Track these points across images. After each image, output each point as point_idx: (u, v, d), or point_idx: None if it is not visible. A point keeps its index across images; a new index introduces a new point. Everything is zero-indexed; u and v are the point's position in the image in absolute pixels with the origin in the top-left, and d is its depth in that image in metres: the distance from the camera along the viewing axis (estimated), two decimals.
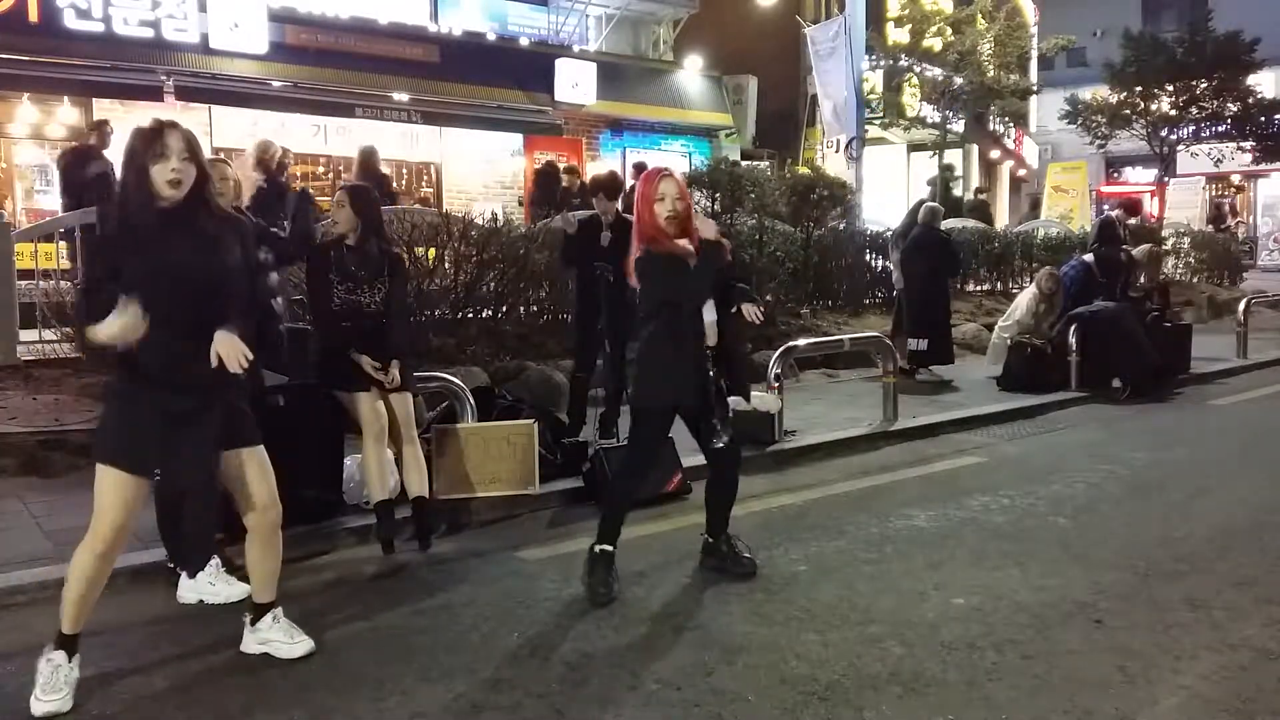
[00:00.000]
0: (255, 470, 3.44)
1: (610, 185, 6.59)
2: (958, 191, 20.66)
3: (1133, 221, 12.94)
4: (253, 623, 3.58)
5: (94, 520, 3.20)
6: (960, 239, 13.01)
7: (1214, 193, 26.95)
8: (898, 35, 20.57)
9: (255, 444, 3.44)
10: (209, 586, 4.12)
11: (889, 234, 11.49)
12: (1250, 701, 3.14)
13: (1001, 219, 22.73)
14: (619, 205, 6.55)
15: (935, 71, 20.13)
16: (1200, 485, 5.91)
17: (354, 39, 14.92)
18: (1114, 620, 3.80)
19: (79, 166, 9.49)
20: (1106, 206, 18.34)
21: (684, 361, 4.10)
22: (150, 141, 3.13)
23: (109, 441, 3.20)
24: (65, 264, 7.79)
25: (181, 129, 3.20)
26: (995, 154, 26.44)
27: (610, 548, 4.18)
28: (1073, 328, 9.08)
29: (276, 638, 3.55)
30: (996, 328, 9.83)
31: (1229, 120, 21.24)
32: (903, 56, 20.01)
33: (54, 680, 3.18)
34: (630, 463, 4.40)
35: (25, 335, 7.06)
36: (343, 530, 4.93)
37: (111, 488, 3.17)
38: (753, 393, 6.83)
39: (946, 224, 11.54)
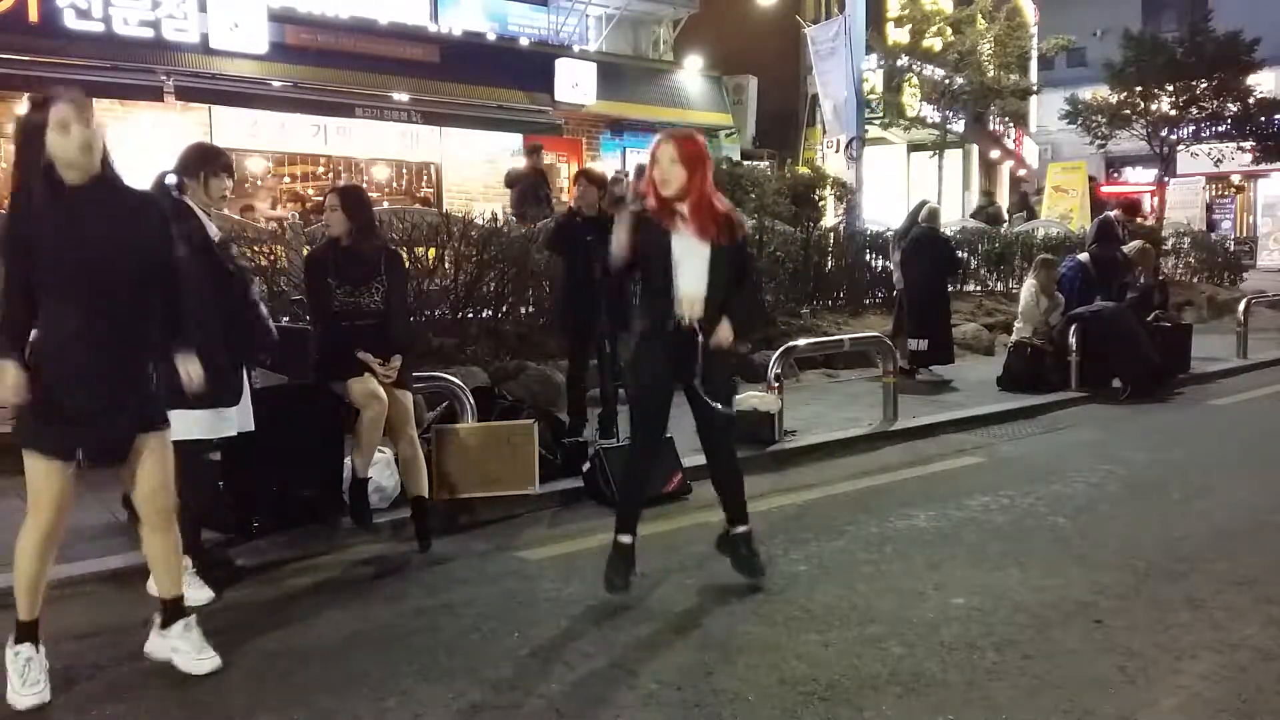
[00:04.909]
0: (160, 470, 3.39)
1: (594, 174, 6.65)
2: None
3: (1140, 221, 12.93)
4: (163, 625, 3.46)
5: (35, 503, 3.21)
6: (960, 239, 13.05)
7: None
8: (898, 35, 20.56)
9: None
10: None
11: (889, 234, 11.50)
12: (1250, 701, 3.14)
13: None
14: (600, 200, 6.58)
15: (936, 71, 20.14)
16: (1200, 485, 5.91)
17: (354, 39, 14.91)
18: (1114, 620, 3.80)
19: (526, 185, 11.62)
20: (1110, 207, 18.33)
21: (659, 340, 4.02)
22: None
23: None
24: None
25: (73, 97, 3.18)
26: (995, 154, 26.45)
27: (628, 538, 4.13)
28: (1073, 328, 9.08)
29: (185, 648, 3.42)
30: (1015, 330, 9.73)
31: (1229, 120, 21.24)
32: (903, 56, 20.01)
33: (28, 674, 3.18)
34: (630, 449, 4.37)
35: None
36: (343, 530, 4.93)
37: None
38: (752, 393, 6.90)
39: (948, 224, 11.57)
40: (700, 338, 4.03)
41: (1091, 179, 23.63)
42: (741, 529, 4.30)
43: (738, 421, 4.43)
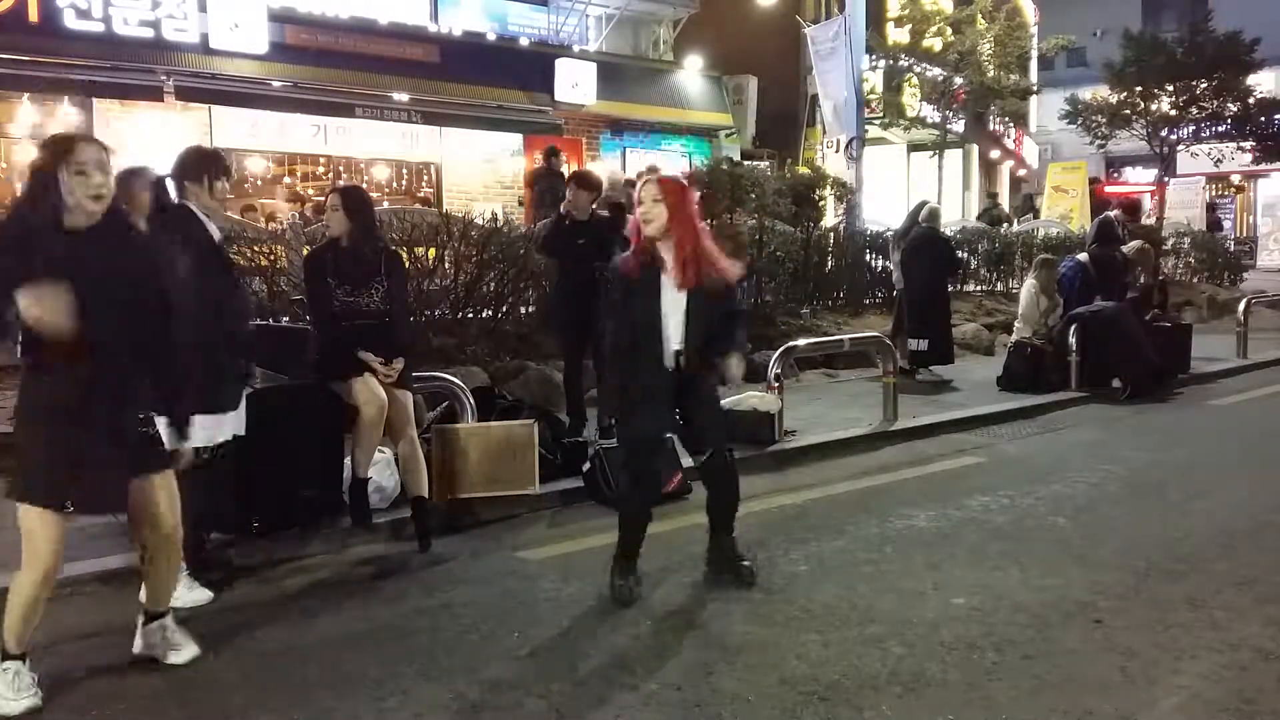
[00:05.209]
0: (165, 497, 3.39)
1: (589, 179, 6.65)
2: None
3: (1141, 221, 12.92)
4: (144, 624, 3.54)
5: (32, 550, 3.16)
6: (960, 239, 13.05)
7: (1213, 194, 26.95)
8: (898, 35, 20.57)
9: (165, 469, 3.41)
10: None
11: (889, 234, 11.50)
12: (1250, 701, 3.14)
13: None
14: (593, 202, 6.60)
15: (935, 71, 20.14)
16: (1200, 485, 5.91)
17: (354, 39, 14.92)
18: (1114, 620, 3.80)
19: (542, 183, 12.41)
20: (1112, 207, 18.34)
21: (651, 393, 4.02)
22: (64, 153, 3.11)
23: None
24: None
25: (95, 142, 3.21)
26: (995, 154, 26.45)
27: (630, 566, 4.17)
28: (1073, 328, 9.08)
29: (163, 642, 3.52)
30: (1015, 330, 9.74)
31: (1229, 120, 21.22)
32: (903, 56, 20.01)
33: (18, 683, 3.17)
34: (621, 487, 4.39)
35: None
36: (343, 530, 4.93)
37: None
38: (752, 393, 6.90)
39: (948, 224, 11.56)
40: (681, 379, 4.05)
41: (1095, 180, 23.61)
42: (728, 538, 4.33)
43: (735, 452, 4.38)
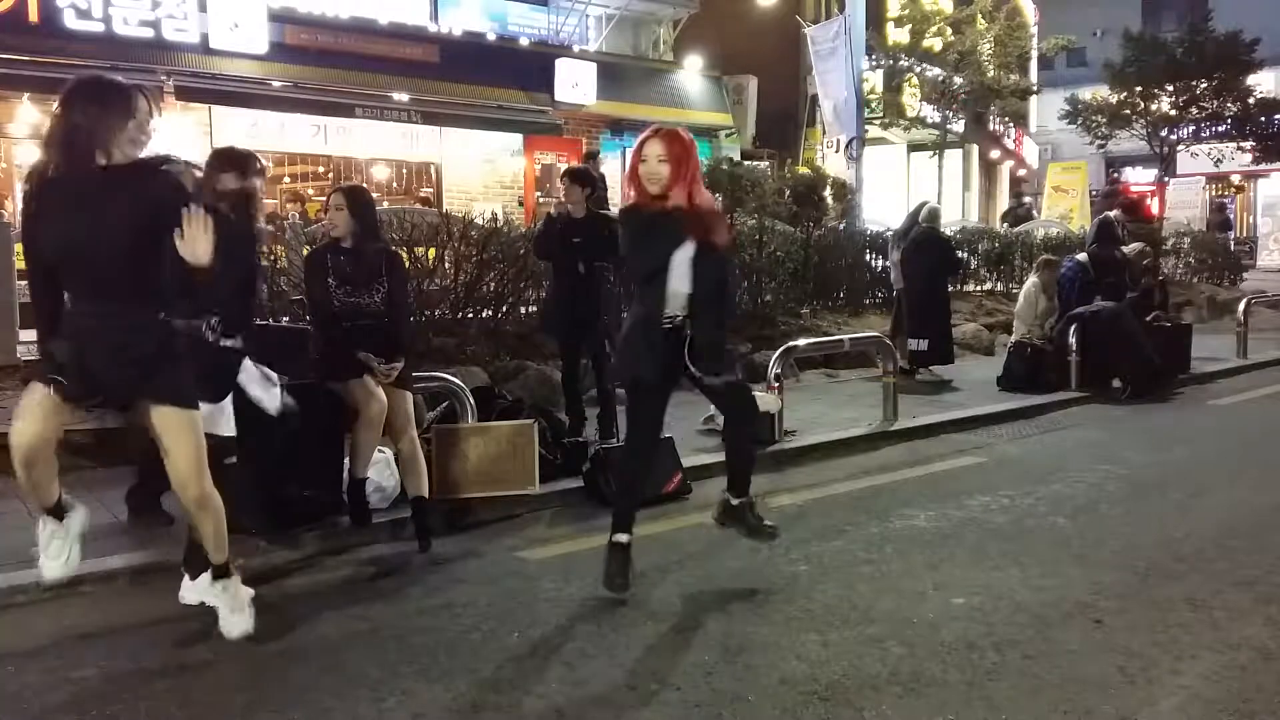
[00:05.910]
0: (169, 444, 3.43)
1: (582, 175, 6.63)
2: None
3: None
4: (207, 577, 3.61)
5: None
6: (960, 239, 13.06)
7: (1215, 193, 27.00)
8: (898, 35, 20.59)
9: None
10: (210, 589, 4.05)
11: (889, 234, 11.50)
12: (1250, 701, 3.14)
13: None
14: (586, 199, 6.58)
15: (936, 71, 20.16)
16: (1200, 485, 5.91)
17: (354, 39, 14.94)
18: (1114, 620, 3.80)
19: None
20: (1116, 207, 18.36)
21: (647, 334, 4.03)
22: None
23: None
24: None
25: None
26: (995, 154, 26.46)
27: (624, 537, 4.14)
28: (1073, 328, 9.08)
29: (220, 604, 3.57)
30: (1015, 330, 9.75)
31: (1229, 120, 21.23)
32: (903, 56, 20.02)
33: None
34: (626, 443, 4.39)
35: (25, 335, 7.06)
36: (343, 530, 4.93)
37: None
38: (753, 392, 6.90)
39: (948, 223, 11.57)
40: (687, 333, 4.05)
41: (1115, 180, 23.61)
42: (744, 500, 4.33)
43: (749, 395, 4.41)
